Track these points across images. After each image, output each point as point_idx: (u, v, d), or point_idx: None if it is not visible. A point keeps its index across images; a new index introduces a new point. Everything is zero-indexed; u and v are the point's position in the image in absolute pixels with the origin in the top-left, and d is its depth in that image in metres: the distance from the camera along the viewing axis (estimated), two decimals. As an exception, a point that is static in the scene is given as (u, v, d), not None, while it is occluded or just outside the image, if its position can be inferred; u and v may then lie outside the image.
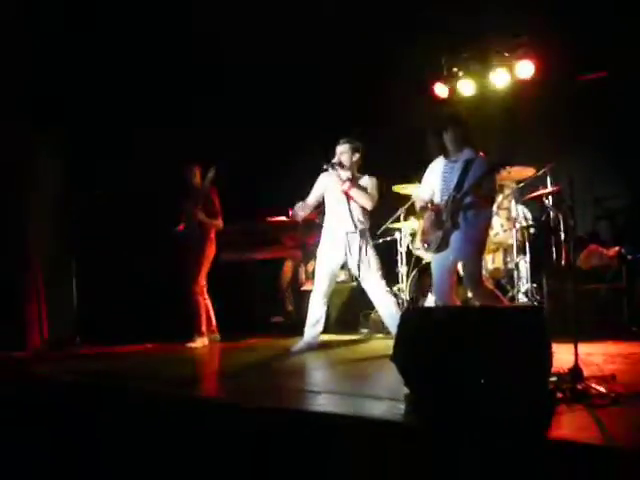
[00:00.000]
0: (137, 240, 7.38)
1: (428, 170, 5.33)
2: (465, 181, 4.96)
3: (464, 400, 3.08)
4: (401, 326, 3.62)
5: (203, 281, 6.72)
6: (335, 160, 5.75)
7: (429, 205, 5.20)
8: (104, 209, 7.03)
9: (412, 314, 3.76)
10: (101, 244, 7.17)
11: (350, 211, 5.73)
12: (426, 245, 5.21)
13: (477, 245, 5.04)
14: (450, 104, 7.92)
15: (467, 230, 4.95)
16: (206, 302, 6.75)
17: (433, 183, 5.23)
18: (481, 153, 5.05)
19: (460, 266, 5.16)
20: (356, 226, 5.72)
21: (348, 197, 5.72)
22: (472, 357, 3.13)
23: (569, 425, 2.81)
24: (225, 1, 7.67)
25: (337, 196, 5.76)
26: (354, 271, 5.86)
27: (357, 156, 5.83)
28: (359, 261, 5.69)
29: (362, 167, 5.90)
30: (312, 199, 5.93)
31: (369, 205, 5.74)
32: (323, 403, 3.55)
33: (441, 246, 5.04)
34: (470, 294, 5.44)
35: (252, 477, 3.27)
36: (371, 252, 5.75)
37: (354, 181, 5.75)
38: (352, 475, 2.95)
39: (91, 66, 7.41)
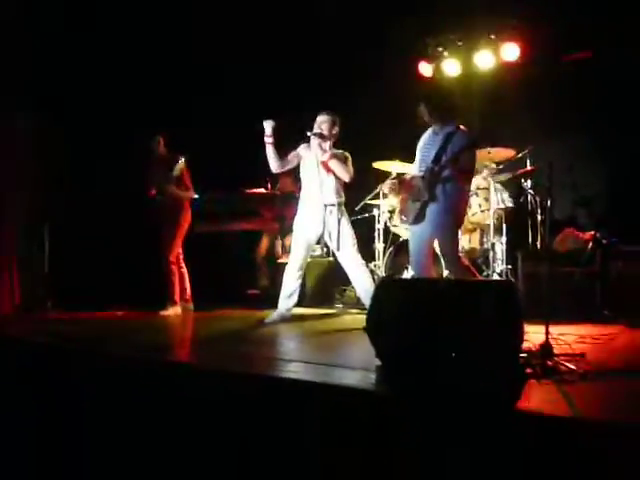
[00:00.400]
0: (110, 206, 7.30)
1: (419, 143, 5.33)
2: (444, 154, 4.96)
3: (434, 371, 3.09)
4: (375, 297, 3.62)
5: (178, 249, 6.70)
6: (316, 130, 5.73)
7: (407, 177, 5.21)
8: (77, 175, 6.94)
9: (386, 285, 3.75)
10: (73, 210, 7.07)
11: (327, 184, 5.72)
12: (404, 217, 5.20)
13: (454, 218, 5.04)
14: (434, 81, 7.89)
15: (444, 203, 4.94)
16: (182, 271, 6.74)
17: (418, 156, 5.24)
18: (462, 127, 5.05)
19: (436, 241, 5.15)
20: (333, 199, 5.72)
21: (327, 169, 5.71)
22: (444, 328, 3.14)
23: (537, 398, 2.84)
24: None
25: (315, 168, 5.73)
26: (330, 244, 5.85)
27: (336, 129, 5.82)
28: (335, 234, 5.68)
29: (339, 142, 5.90)
30: (284, 159, 5.90)
31: (347, 177, 5.73)
32: (294, 371, 3.55)
33: (418, 218, 5.03)
34: (446, 270, 5.42)
35: (222, 442, 3.27)
36: (347, 226, 5.76)
37: (333, 153, 5.74)
38: (321, 441, 2.96)
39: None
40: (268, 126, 5.70)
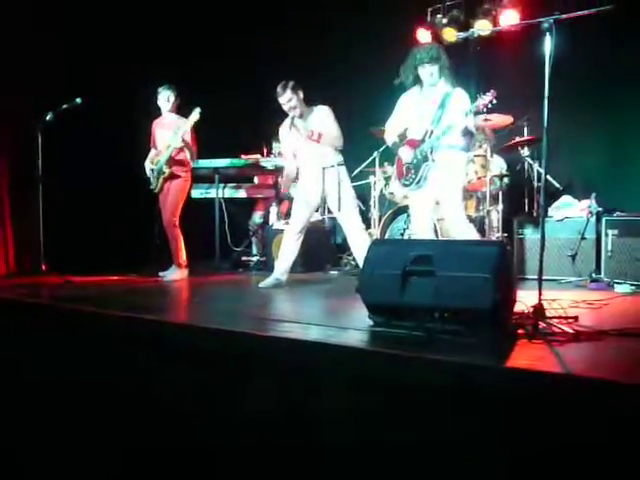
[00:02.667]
0: (107, 168, 7.24)
1: (401, 103, 5.25)
2: (443, 115, 4.92)
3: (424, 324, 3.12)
4: (366, 257, 3.62)
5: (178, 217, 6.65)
6: (285, 108, 5.71)
7: (405, 140, 5.16)
8: (72, 134, 6.86)
9: (377, 245, 3.74)
10: (69, 170, 7.01)
11: (321, 148, 5.69)
12: (405, 182, 5.14)
13: (459, 179, 5.05)
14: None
15: (448, 164, 4.93)
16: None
17: (406, 117, 5.17)
18: (458, 87, 5.00)
19: (441, 203, 5.12)
20: (329, 160, 5.71)
21: (317, 140, 5.68)
22: (436, 283, 3.15)
23: (528, 356, 2.84)
24: None
25: (305, 141, 5.73)
26: (330, 206, 5.83)
27: (300, 94, 5.74)
28: (335, 195, 5.67)
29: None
30: (289, 163, 5.96)
31: (337, 141, 5.69)
32: (287, 330, 3.55)
33: (420, 182, 5.01)
34: (451, 231, 5.34)
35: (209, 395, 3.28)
36: (348, 187, 5.74)
37: (314, 128, 5.69)
38: (309, 398, 2.96)
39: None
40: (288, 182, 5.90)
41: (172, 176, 6.49)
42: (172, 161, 6.47)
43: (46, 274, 6.26)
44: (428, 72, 4.98)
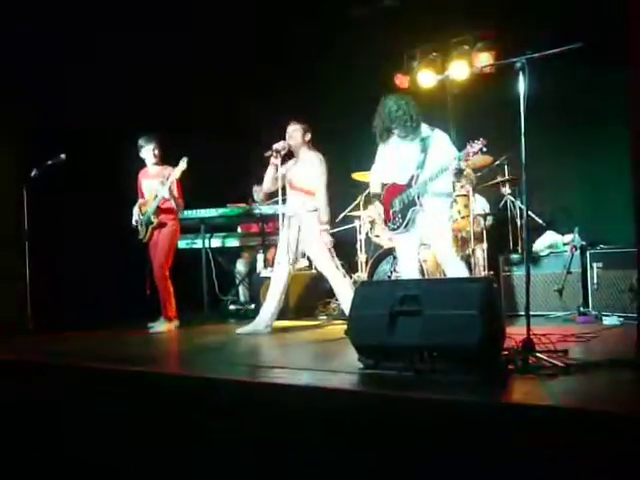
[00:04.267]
0: (94, 223, 7.25)
1: (381, 152, 5.31)
2: (426, 158, 4.98)
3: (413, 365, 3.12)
4: (354, 300, 3.63)
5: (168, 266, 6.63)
6: (288, 140, 5.79)
7: (388, 186, 5.21)
8: (57, 188, 6.88)
9: (365, 288, 3.76)
10: (55, 226, 7.02)
11: (291, 195, 5.79)
12: (392, 226, 5.17)
13: (446, 221, 5.12)
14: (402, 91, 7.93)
15: (435, 208, 4.99)
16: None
17: (389, 165, 5.23)
18: (435, 129, 5.08)
19: (432, 245, 5.16)
20: (295, 210, 5.78)
21: (290, 185, 5.81)
22: (424, 323, 3.16)
23: (519, 391, 2.85)
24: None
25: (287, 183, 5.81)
26: (306, 252, 5.87)
27: (308, 136, 5.89)
28: (310, 245, 5.71)
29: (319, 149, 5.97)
30: (275, 180, 5.93)
31: (317, 188, 5.76)
32: (278, 376, 3.54)
33: (408, 225, 5.05)
34: (445, 270, 5.37)
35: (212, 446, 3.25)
36: (317, 234, 5.75)
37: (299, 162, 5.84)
38: (306, 442, 2.94)
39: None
40: (280, 147, 5.74)
41: (160, 225, 6.50)
42: (159, 210, 6.49)
43: (33, 332, 6.22)
44: (402, 121, 5.06)
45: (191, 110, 8.18)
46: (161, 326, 6.44)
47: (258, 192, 7.46)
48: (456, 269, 4.97)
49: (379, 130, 5.16)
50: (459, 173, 5.03)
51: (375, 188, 5.37)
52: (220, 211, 7.46)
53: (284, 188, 5.81)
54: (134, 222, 6.64)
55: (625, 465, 2.18)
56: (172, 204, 6.48)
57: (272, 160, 5.78)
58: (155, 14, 7.54)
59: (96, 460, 3.62)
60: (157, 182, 6.48)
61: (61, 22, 7.14)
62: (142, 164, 6.74)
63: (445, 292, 3.32)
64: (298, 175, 5.83)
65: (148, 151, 6.60)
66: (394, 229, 5.16)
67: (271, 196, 6.69)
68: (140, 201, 6.68)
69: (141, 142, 6.61)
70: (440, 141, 5.04)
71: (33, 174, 6.49)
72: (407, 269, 5.18)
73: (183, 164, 6.33)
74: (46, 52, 7.06)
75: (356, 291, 3.67)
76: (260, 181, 6.16)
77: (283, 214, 5.83)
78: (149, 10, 7.48)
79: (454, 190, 5.74)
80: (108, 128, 7.28)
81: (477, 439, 2.49)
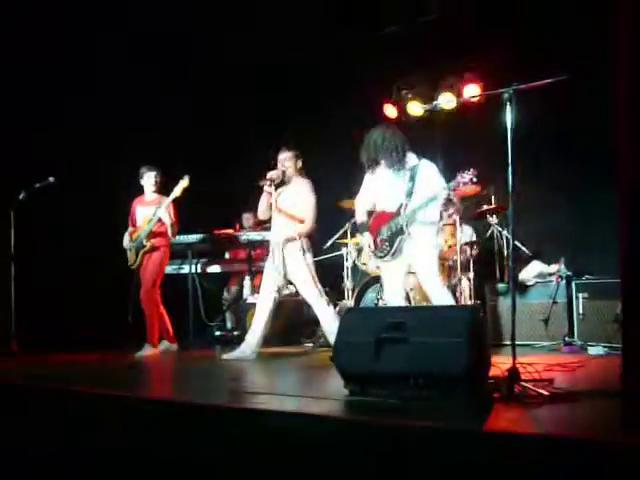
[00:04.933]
0: (79, 244, 7.24)
1: (368, 181, 5.34)
2: (414, 187, 5.02)
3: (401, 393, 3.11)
4: (339, 326, 3.63)
5: (158, 290, 6.63)
6: (280, 167, 5.80)
7: (377, 214, 5.24)
8: (45, 212, 6.87)
9: (350, 314, 3.76)
10: (42, 248, 7.00)
11: (277, 221, 5.83)
12: (380, 254, 5.19)
13: (433, 249, 5.12)
14: (391, 120, 8.00)
15: (422, 237, 5.02)
16: (162, 312, 6.65)
17: (375, 193, 5.26)
18: (423, 159, 5.12)
19: (418, 273, 5.17)
20: (280, 236, 5.79)
21: (277, 209, 5.82)
22: (408, 351, 3.16)
23: (505, 419, 2.84)
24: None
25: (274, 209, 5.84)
26: (292, 281, 5.87)
27: (299, 163, 5.94)
28: (294, 272, 5.72)
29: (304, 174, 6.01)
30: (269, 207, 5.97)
31: (305, 214, 5.77)
32: (262, 402, 3.52)
33: (395, 254, 5.07)
34: (431, 299, 5.37)
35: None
36: (304, 263, 5.75)
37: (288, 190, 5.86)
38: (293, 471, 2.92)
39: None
40: (275, 176, 5.76)
41: (152, 249, 6.52)
42: (152, 234, 6.51)
43: (16, 352, 6.17)
44: (388, 152, 5.10)
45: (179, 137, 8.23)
46: (145, 352, 6.41)
47: (248, 219, 7.49)
48: (442, 298, 4.98)
49: (366, 161, 5.21)
50: (448, 202, 5.06)
51: (360, 217, 5.39)
52: (206, 237, 7.45)
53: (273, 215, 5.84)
54: (125, 246, 6.64)
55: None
56: (166, 226, 6.48)
57: (266, 189, 5.79)
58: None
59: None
60: (152, 209, 6.50)
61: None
62: (136, 191, 6.77)
63: (431, 319, 3.33)
64: (286, 201, 5.84)
65: (150, 177, 6.66)
66: (381, 257, 5.18)
67: (260, 223, 6.70)
68: (130, 229, 6.69)
69: (143, 169, 6.69)
70: (428, 170, 5.08)
71: (21, 197, 6.48)
72: (392, 297, 5.19)
73: (185, 181, 6.38)
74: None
75: (342, 318, 3.67)
76: (248, 208, 6.19)
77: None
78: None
79: (441, 219, 5.78)
80: (99, 153, 7.30)
81: (463, 466, 2.49)
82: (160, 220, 6.47)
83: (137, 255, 6.53)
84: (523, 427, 2.69)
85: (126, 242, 6.64)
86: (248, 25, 7.92)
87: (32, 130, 7.19)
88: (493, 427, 2.68)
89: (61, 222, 7.22)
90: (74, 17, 7.21)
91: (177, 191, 6.40)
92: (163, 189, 6.63)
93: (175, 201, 6.51)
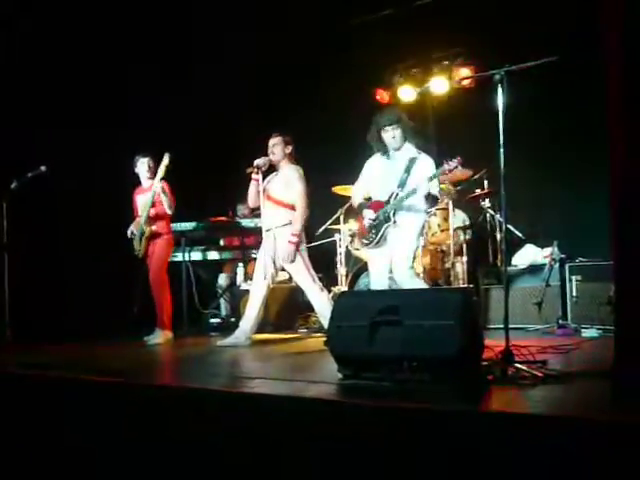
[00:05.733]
0: (71, 234, 7.22)
1: (367, 166, 5.37)
2: (408, 179, 5.02)
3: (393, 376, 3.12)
4: (333, 310, 3.64)
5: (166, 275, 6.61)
6: (265, 159, 5.78)
7: (368, 202, 5.25)
8: (38, 198, 6.84)
9: (344, 298, 3.77)
10: (35, 235, 6.98)
11: (267, 208, 5.80)
12: (365, 241, 5.21)
13: (413, 238, 5.10)
14: (391, 105, 7.97)
15: (406, 226, 5.03)
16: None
17: (372, 180, 5.27)
18: (423, 153, 5.12)
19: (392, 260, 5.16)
20: (271, 223, 5.79)
21: (266, 196, 5.82)
22: (402, 334, 3.17)
23: (499, 400, 2.85)
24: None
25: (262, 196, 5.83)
26: (285, 267, 5.87)
27: (289, 148, 5.87)
28: (285, 258, 5.72)
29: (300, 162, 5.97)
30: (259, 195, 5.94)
31: (296, 202, 5.73)
32: (257, 386, 3.53)
33: (380, 242, 5.08)
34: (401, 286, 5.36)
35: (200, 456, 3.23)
36: (295, 247, 5.71)
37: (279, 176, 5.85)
38: (285, 453, 2.93)
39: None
40: (262, 163, 5.73)
41: (153, 235, 6.50)
42: (150, 219, 6.49)
43: (11, 342, 6.16)
44: (390, 135, 5.12)
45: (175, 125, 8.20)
46: (157, 338, 6.38)
47: (242, 210, 7.48)
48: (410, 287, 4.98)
49: (371, 140, 5.22)
50: (428, 197, 5.01)
51: (357, 200, 5.40)
52: (199, 224, 7.43)
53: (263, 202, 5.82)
54: (130, 235, 6.64)
55: (603, 471, 2.19)
56: (164, 210, 6.46)
57: (253, 176, 5.77)
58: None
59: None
60: (150, 195, 6.48)
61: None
62: (130, 179, 6.74)
63: (424, 303, 3.33)
64: (276, 188, 5.82)
65: (143, 164, 6.61)
66: (367, 244, 5.20)
67: (254, 211, 6.68)
68: (136, 220, 6.67)
69: (137, 156, 6.63)
70: (424, 165, 5.08)
71: (13, 186, 6.46)
72: (376, 285, 5.21)
73: (165, 160, 6.32)
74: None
75: (336, 302, 3.67)
76: (243, 199, 6.17)
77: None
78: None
79: (429, 212, 5.77)
80: (88, 137, 7.27)
81: (456, 448, 2.50)
82: (154, 204, 6.45)
83: (141, 243, 6.52)
84: (517, 408, 2.70)
85: (130, 231, 6.64)
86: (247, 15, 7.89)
87: (24, 119, 7.15)
88: (487, 408, 2.70)
89: (54, 211, 7.19)
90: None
91: (161, 172, 6.36)
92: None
93: (168, 182, 6.49)
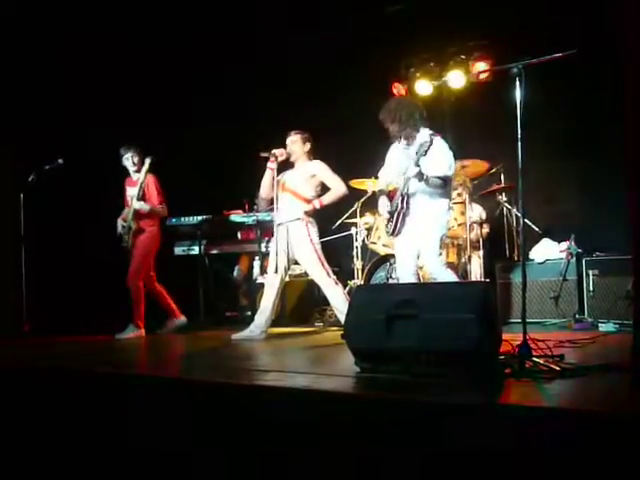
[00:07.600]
0: (88, 226, 7.26)
1: (389, 153, 5.37)
2: (421, 165, 5.00)
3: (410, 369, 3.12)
4: (350, 304, 3.65)
5: (149, 272, 6.63)
6: (283, 151, 5.81)
7: (388, 190, 5.27)
8: (54, 194, 6.89)
9: (361, 291, 3.78)
10: (52, 230, 7.03)
11: (282, 202, 5.82)
12: (387, 230, 5.22)
13: (437, 227, 5.09)
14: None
15: (426, 213, 5.03)
16: (160, 291, 6.67)
17: (389, 167, 5.29)
18: (434, 134, 5.09)
19: (420, 251, 5.16)
20: (285, 217, 5.80)
21: (282, 187, 5.86)
22: (419, 328, 3.17)
23: (516, 393, 2.86)
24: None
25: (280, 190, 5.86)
26: (299, 261, 5.88)
27: (308, 146, 5.90)
28: (299, 252, 5.73)
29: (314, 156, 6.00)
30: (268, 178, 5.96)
31: (332, 183, 5.80)
32: (274, 379, 3.54)
33: (400, 230, 5.08)
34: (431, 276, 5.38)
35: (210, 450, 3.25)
36: (309, 243, 5.75)
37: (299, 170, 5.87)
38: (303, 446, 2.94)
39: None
40: (279, 153, 5.76)
41: (138, 231, 6.51)
42: (137, 215, 6.51)
43: (29, 336, 6.21)
44: (400, 125, 5.11)
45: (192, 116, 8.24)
46: (128, 332, 6.38)
47: (260, 203, 7.48)
48: (443, 279, 4.97)
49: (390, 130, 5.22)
50: (420, 176, 4.96)
51: (379, 185, 5.46)
52: (216, 217, 7.44)
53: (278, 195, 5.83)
54: (119, 229, 6.65)
55: (621, 465, 2.19)
56: (152, 201, 6.51)
57: (269, 165, 5.80)
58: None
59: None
60: (137, 189, 6.50)
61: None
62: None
63: (442, 296, 3.33)
64: (294, 181, 5.83)
65: (127, 159, 6.62)
66: (388, 232, 5.22)
67: (272, 203, 6.70)
68: (125, 209, 6.69)
69: (121, 151, 6.64)
70: (439, 148, 5.04)
71: (30, 179, 6.50)
72: (401, 273, 5.23)
73: (146, 165, 6.36)
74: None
75: (353, 295, 3.69)
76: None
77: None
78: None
79: (450, 199, 5.76)
80: (106, 135, 7.30)
81: (474, 441, 2.50)
82: (141, 199, 6.48)
83: (129, 236, 6.53)
84: (534, 401, 2.70)
85: (119, 223, 6.64)
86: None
87: (41, 111, 7.21)
88: (504, 401, 2.70)
89: (71, 204, 7.23)
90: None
91: (142, 177, 6.41)
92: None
93: (158, 178, 6.56)
